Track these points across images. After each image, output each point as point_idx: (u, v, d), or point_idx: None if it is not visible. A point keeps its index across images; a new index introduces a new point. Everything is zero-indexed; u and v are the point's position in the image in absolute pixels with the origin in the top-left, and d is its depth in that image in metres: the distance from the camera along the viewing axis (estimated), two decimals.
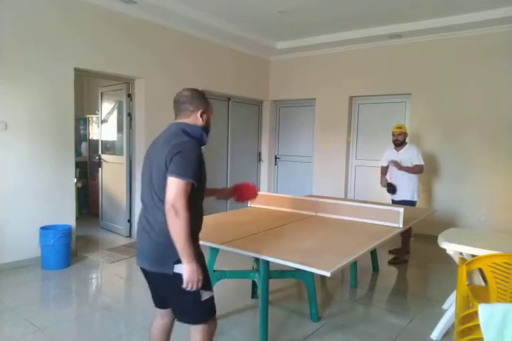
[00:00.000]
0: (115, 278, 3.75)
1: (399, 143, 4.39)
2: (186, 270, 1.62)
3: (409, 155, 4.33)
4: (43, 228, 3.84)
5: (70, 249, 3.92)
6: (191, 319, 1.78)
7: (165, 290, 1.79)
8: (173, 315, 1.89)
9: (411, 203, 4.31)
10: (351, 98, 6.00)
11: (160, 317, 1.95)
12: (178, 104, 1.80)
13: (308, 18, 4.89)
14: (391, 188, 4.39)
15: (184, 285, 1.64)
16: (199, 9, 4.69)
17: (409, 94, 5.43)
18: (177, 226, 1.58)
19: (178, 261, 1.65)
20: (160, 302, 1.91)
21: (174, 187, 1.59)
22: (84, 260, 4.09)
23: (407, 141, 4.48)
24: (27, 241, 3.80)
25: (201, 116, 1.83)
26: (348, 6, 4.44)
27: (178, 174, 1.59)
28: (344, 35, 5.46)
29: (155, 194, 1.68)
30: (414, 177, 4.35)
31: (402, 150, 4.39)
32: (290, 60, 6.51)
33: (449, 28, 4.85)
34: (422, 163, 4.30)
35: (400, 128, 4.40)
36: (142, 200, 1.79)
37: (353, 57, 5.85)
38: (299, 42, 5.89)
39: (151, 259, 1.71)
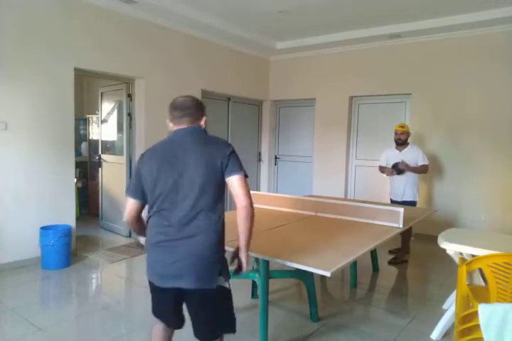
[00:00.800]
0: (115, 278, 3.75)
1: (401, 143, 4.37)
2: (246, 257, 1.75)
3: (414, 155, 4.31)
4: (43, 228, 3.84)
5: (70, 248, 3.92)
6: (226, 329, 1.78)
7: (201, 306, 1.69)
8: (199, 334, 1.77)
9: (413, 203, 4.31)
10: (351, 98, 6.00)
11: (163, 329, 1.89)
12: (183, 110, 1.73)
13: (308, 18, 4.89)
14: (397, 168, 4.27)
15: (242, 267, 1.77)
16: (199, 9, 4.69)
17: (409, 94, 5.43)
18: (252, 221, 1.68)
19: (220, 273, 1.68)
20: (179, 322, 1.87)
21: (243, 184, 1.65)
22: (84, 260, 4.09)
23: (409, 141, 4.46)
24: (27, 241, 3.80)
25: (205, 123, 1.83)
26: (348, 6, 4.44)
27: (240, 170, 1.66)
28: (344, 35, 5.46)
29: (198, 202, 1.61)
30: (416, 177, 4.34)
31: (405, 150, 4.37)
32: (290, 60, 6.51)
33: (449, 28, 4.85)
34: (427, 162, 4.29)
35: (402, 127, 4.37)
36: (163, 211, 1.66)
37: (353, 57, 5.85)
38: (299, 42, 5.90)
39: (192, 275, 1.61)
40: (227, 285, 1.73)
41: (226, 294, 1.74)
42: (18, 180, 3.75)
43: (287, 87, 6.59)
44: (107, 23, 4.32)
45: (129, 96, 4.89)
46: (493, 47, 4.79)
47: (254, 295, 3.21)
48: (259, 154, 7.02)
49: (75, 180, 4.45)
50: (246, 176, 1.69)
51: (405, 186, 4.32)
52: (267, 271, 2.45)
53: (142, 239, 1.83)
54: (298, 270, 2.37)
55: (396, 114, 5.64)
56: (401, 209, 2.99)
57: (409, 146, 4.39)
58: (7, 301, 3.04)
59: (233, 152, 1.68)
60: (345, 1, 4.33)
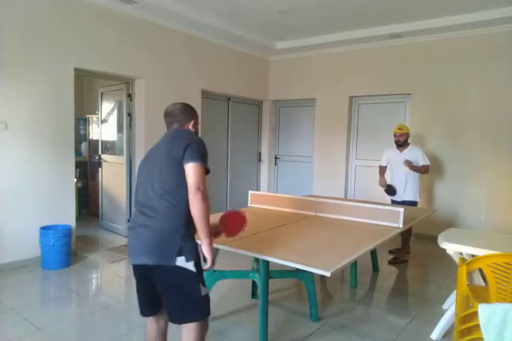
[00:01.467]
0: (115, 278, 3.75)
1: (400, 144, 4.37)
2: (206, 244, 1.73)
3: (415, 155, 4.31)
4: (43, 228, 3.84)
5: (70, 248, 3.92)
6: (189, 316, 1.78)
7: (163, 285, 1.77)
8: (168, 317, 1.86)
9: (413, 203, 4.31)
10: (351, 98, 6.00)
11: (154, 321, 1.94)
12: (171, 116, 1.94)
13: (308, 18, 4.89)
14: (391, 190, 4.38)
15: (206, 257, 1.73)
16: (199, 9, 4.69)
17: (409, 94, 5.43)
18: (204, 208, 1.70)
19: (180, 254, 1.70)
20: (152, 306, 1.89)
21: (196, 171, 1.72)
22: (84, 260, 4.09)
23: (409, 141, 4.45)
24: (27, 241, 3.80)
25: (193, 126, 1.98)
26: (348, 5, 4.44)
27: (196, 159, 1.73)
28: (344, 35, 5.46)
29: (160, 187, 1.74)
30: (416, 177, 4.34)
31: (406, 151, 4.36)
32: (290, 60, 6.51)
33: (449, 28, 4.85)
34: (428, 163, 4.31)
35: (400, 129, 4.36)
36: (137, 200, 1.86)
37: (353, 57, 5.85)
38: (299, 42, 5.90)
39: (152, 252, 1.72)
40: (190, 267, 1.73)
41: (189, 276, 1.74)
42: (18, 180, 3.75)
43: (287, 87, 6.59)
44: (107, 23, 4.32)
45: (129, 96, 4.89)
46: (493, 47, 4.79)
47: (254, 295, 3.21)
48: (259, 154, 7.02)
49: (75, 180, 4.45)
50: (205, 165, 1.77)
51: (405, 186, 4.32)
52: (267, 271, 2.45)
53: None
54: (298, 270, 2.37)
55: (396, 114, 5.64)
56: (401, 209, 2.99)
57: (410, 147, 4.39)
58: (7, 301, 3.04)
59: (192, 143, 1.76)
60: (345, 1, 4.33)
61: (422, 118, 5.32)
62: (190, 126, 1.95)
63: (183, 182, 1.73)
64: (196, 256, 1.77)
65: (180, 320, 1.80)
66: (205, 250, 1.74)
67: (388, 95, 5.67)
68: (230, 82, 5.99)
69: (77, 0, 4.03)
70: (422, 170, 4.30)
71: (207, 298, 1.83)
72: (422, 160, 4.29)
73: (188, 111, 1.96)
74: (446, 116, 5.14)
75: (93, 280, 3.76)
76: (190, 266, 1.73)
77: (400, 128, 4.37)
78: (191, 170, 1.71)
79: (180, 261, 1.71)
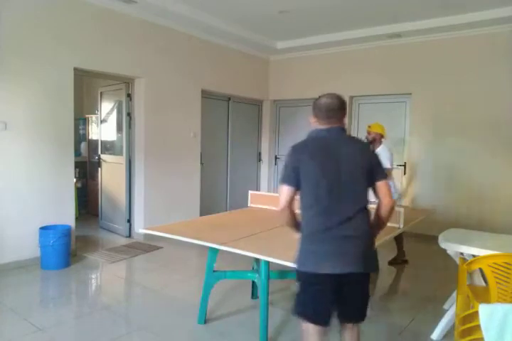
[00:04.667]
0: (115, 278, 3.75)
1: (369, 141, 4.19)
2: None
3: (381, 156, 4.13)
4: (42, 228, 3.83)
5: (69, 249, 3.92)
6: (365, 314, 1.92)
7: (360, 290, 1.88)
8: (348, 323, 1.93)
9: None
10: (351, 98, 6.00)
11: (319, 335, 1.91)
12: (330, 111, 1.89)
13: (308, 18, 4.89)
14: None
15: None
16: (199, 9, 4.68)
17: (409, 94, 5.43)
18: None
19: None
20: (330, 315, 1.88)
21: (388, 188, 1.87)
22: (84, 260, 4.09)
23: (385, 142, 4.25)
24: (27, 241, 3.80)
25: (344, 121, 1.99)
26: (348, 5, 4.44)
27: (385, 174, 1.90)
28: (344, 35, 5.46)
29: (359, 197, 1.81)
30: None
31: (377, 151, 4.00)
32: (290, 59, 6.50)
33: (449, 28, 4.85)
34: (388, 166, 3.88)
35: (369, 127, 4.24)
36: (331, 207, 1.77)
37: (353, 57, 5.85)
38: (299, 42, 5.89)
39: (366, 261, 1.80)
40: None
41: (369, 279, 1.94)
42: (17, 180, 3.74)
43: (287, 87, 6.59)
44: (107, 22, 4.32)
45: (129, 96, 4.89)
46: (493, 47, 4.79)
47: (254, 295, 3.21)
48: (259, 154, 7.02)
49: (75, 180, 4.45)
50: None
51: None
52: (267, 271, 2.45)
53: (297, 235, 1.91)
54: None
55: (396, 114, 5.64)
56: (401, 209, 2.99)
57: (380, 147, 4.15)
58: (7, 301, 3.03)
59: (376, 156, 1.94)
60: (345, 1, 4.32)
61: (422, 118, 5.31)
62: (345, 122, 1.98)
63: (369, 194, 1.87)
64: None
65: (361, 318, 1.92)
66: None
67: (388, 95, 5.67)
68: (230, 82, 5.98)
69: (77, 0, 4.02)
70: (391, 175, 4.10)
71: None
72: (383, 163, 4.08)
73: (344, 106, 1.95)
74: (447, 116, 5.14)
75: (93, 281, 3.76)
76: None
77: (369, 126, 4.25)
78: (386, 186, 1.86)
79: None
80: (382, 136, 4.19)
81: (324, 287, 1.80)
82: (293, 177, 1.81)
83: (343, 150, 1.80)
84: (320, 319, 1.86)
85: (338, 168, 1.76)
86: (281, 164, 6.98)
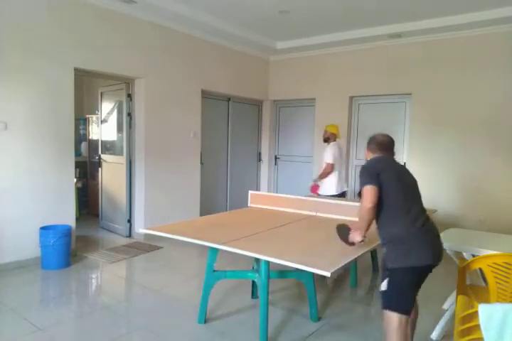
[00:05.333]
0: (115, 278, 3.75)
1: (324, 141, 4.88)
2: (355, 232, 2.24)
3: (326, 152, 4.75)
4: (42, 228, 3.84)
5: (69, 249, 3.92)
6: None
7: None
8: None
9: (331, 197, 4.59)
10: (351, 98, 6.00)
11: (410, 315, 2.09)
12: (391, 145, 2.37)
13: (308, 17, 4.89)
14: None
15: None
16: (199, 9, 4.69)
17: (409, 94, 5.43)
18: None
19: None
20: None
21: None
22: (84, 260, 4.09)
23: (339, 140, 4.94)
24: (27, 241, 3.80)
25: None
26: (348, 5, 4.44)
27: None
28: (344, 35, 5.46)
29: (421, 204, 2.20)
30: (332, 173, 4.71)
31: (326, 147, 4.83)
32: (290, 60, 6.50)
33: (449, 28, 4.85)
34: (328, 161, 4.67)
35: (326, 126, 4.91)
36: (417, 209, 2.14)
37: (353, 57, 5.85)
38: (299, 42, 5.89)
39: (441, 253, 2.13)
40: None
41: None
42: (18, 180, 3.75)
43: (287, 87, 6.59)
44: (107, 22, 4.32)
45: (129, 96, 4.89)
46: (493, 47, 4.79)
47: (254, 295, 3.21)
48: (259, 154, 7.02)
49: (75, 180, 4.45)
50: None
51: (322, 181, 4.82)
52: (267, 271, 2.45)
53: (359, 238, 2.17)
54: (298, 270, 2.36)
55: (396, 114, 5.64)
56: None
57: (331, 144, 4.79)
58: (7, 301, 3.04)
59: None
60: (346, 1, 4.32)
61: (422, 118, 5.31)
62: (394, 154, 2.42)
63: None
64: None
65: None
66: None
67: (388, 95, 5.67)
68: (230, 82, 5.99)
69: (76, 0, 4.03)
70: (323, 170, 4.73)
71: None
72: (327, 157, 4.69)
73: (394, 143, 2.41)
74: (447, 116, 5.14)
75: (93, 281, 3.76)
76: None
77: (326, 126, 4.92)
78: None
79: None
80: (335, 135, 4.83)
81: (418, 278, 2.08)
82: (375, 179, 2.08)
83: (398, 166, 2.31)
84: (411, 308, 2.09)
85: (404, 177, 2.20)
86: (281, 164, 6.99)
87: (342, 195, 4.80)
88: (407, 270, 2.02)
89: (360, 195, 2.17)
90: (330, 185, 4.71)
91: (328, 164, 4.67)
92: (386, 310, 2.04)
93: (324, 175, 4.72)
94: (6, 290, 3.26)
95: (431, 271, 2.12)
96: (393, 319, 2.01)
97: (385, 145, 2.35)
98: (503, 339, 1.61)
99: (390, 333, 2.02)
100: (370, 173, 2.14)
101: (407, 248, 2.03)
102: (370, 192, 2.06)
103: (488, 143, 4.86)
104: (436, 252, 2.08)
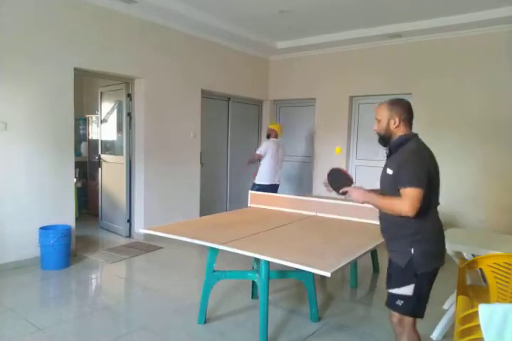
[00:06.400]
0: (115, 278, 3.75)
1: (266, 136, 5.41)
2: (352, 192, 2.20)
3: (262, 144, 5.33)
4: (42, 228, 3.83)
5: (69, 249, 3.92)
6: None
7: None
8: None
9: (254, 185, 5.19)
10: (351, 98, 6.00)
11: None
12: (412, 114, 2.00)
13: (308, 17, 4.89)
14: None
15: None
16: (199, 9, 4.68)
17: (410, 94, 5.42)
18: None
19: None
20: None
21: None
22: (84, 260, 4.09)
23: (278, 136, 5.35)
24: (27, 241, 3.80)
25: None
26: (348, 5, 4.44)
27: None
28: (344, 35, 5.46)
29: None
30: (262, 164, 5.21)
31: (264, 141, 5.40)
32: (290, 59, 6.50)
33: (449, 28, 4.85)
34: (257, 152, 5.20)
35: (270, 124, 5.66)
36: (436, 204, 2.04)
37: (353, 56, 5.85)
38: (299, 42, 5.89)
39: None
40: None
41: None
42: (17, 180, 3.74)
43: (287, 87, 6.59)
44: (107, 22, 4.32)
45: (129, 96, 4.89)
46: (493, 47, 4.79)
47: (254, 295, 3.21)
48: None
49: (75, 180, 4.45)
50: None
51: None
52: (267, 271, 2.45)
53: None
54: (298, 270, 2.36)
55: None
56: None
57: (270, 139, 5.28)
58: (7, 301, 3.04)
59: None
60: (345, 1, 4.32)
61: (422, 118, 5.29)
62: None
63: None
64: None
65: None
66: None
67: (388, 95, 5.64)
68: (230, 82, 5.98)
69: (77, 0, 4.02)
70: (250, 157, 5.39)
71: None
72: (259, 149, 5.22)
73: None
74: (446, 116, 5.14)
75: (93, 281, 3.76)
76: None
77: (270, 124, 5.72)
78: None
79: None
80: (275, 132, 5.33)
81: (433, 280, 2.03)
82: (426, 180, 1.86)
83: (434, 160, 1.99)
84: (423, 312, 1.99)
85: (438, 173, 2.02)
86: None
87: (272, 187, 5.20)
88: (433, 273, 1.99)
89: (344, 193, 2.02)
90: (262, 176, 5.20)
91: (254, 154, 5.24)
92: (407, 316, 1.95)
93: (249, 161, 5.42)
94: (6, 291, 3.25)
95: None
96: (411, 323, 1.96)
97: (412, 113, 1.97)
98: (504, 340, 1.60)
99: (407, 336, 1.97)
100: (424, 171, 1.86)
101: (434, 250, 1.97)
102: (417, 197, 1.81)
103: (489, 142, 4.86)
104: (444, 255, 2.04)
